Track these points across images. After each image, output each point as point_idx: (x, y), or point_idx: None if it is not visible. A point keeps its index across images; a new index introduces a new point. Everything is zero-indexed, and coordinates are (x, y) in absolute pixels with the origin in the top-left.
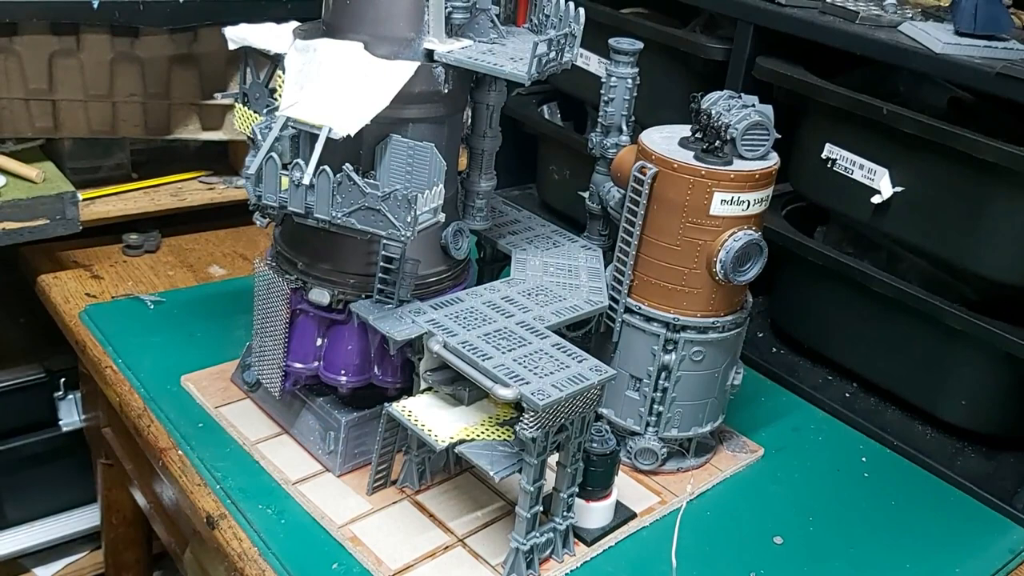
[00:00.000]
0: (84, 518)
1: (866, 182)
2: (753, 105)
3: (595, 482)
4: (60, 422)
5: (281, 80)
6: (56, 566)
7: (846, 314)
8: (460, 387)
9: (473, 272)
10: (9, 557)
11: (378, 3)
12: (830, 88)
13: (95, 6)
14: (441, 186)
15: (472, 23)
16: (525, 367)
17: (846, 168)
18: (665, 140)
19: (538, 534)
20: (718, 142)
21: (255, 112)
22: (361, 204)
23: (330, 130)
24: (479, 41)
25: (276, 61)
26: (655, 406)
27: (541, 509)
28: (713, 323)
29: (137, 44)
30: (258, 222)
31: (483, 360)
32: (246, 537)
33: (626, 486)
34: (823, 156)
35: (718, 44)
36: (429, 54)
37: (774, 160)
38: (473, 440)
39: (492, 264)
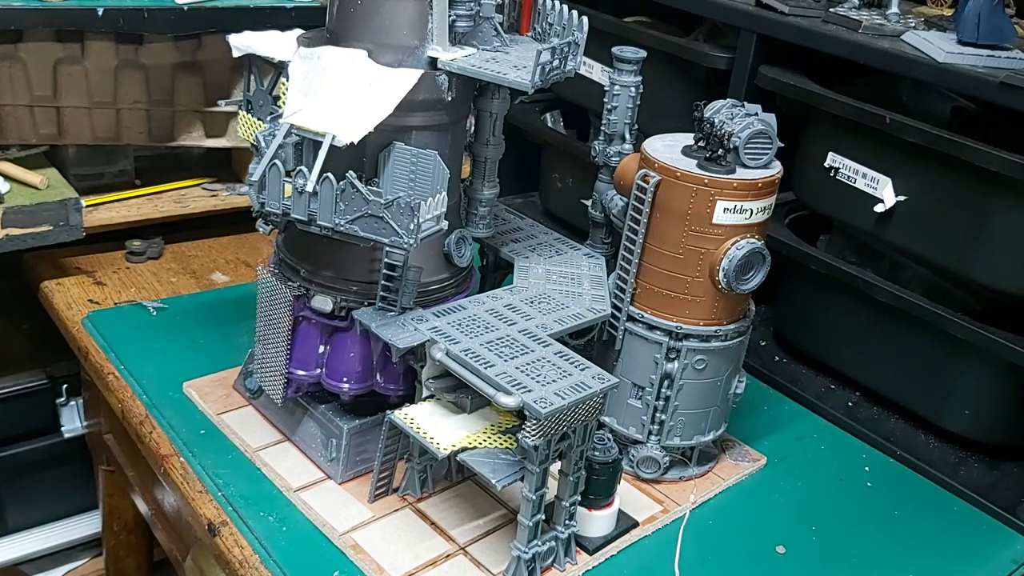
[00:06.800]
0: (85, 525)
1: (869, 191)
2: (756, 114)
3: (597, 490)
4: (62, 428)
5: (285, 87)
6: (57, 573)
7: (849, 323)
8: (462, 395)
9: (476, 280)
10: (10, 563)
11: (382, 11)
12: (833, 97)
13: (100, 13)
14: (444, 194)
15: (476, 31)
16: (527, 375)
17: (849, 177)
18: (668, 148)
19: (540, 543)
20: (721, 151)
21: (259, 119)
22: (364, 212)
23: (334, 137)
24: (483, 49)
25: (280, 68)
26: (657, 414)
27: (543, 517)
28: (716, 332)
29: (141, 51)
30: (261, 229)
31: (485, 368)
32: (247, 544)
33: (628, 495)
34: (826, 165)
35: (721, 53)
36: (433, 62)
37: (777, 169)
38: (475, 448)
39: (495, 272)
